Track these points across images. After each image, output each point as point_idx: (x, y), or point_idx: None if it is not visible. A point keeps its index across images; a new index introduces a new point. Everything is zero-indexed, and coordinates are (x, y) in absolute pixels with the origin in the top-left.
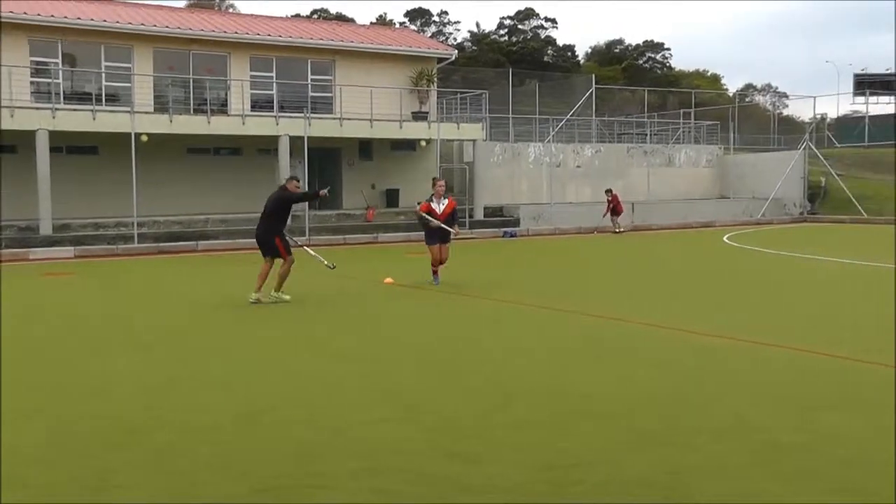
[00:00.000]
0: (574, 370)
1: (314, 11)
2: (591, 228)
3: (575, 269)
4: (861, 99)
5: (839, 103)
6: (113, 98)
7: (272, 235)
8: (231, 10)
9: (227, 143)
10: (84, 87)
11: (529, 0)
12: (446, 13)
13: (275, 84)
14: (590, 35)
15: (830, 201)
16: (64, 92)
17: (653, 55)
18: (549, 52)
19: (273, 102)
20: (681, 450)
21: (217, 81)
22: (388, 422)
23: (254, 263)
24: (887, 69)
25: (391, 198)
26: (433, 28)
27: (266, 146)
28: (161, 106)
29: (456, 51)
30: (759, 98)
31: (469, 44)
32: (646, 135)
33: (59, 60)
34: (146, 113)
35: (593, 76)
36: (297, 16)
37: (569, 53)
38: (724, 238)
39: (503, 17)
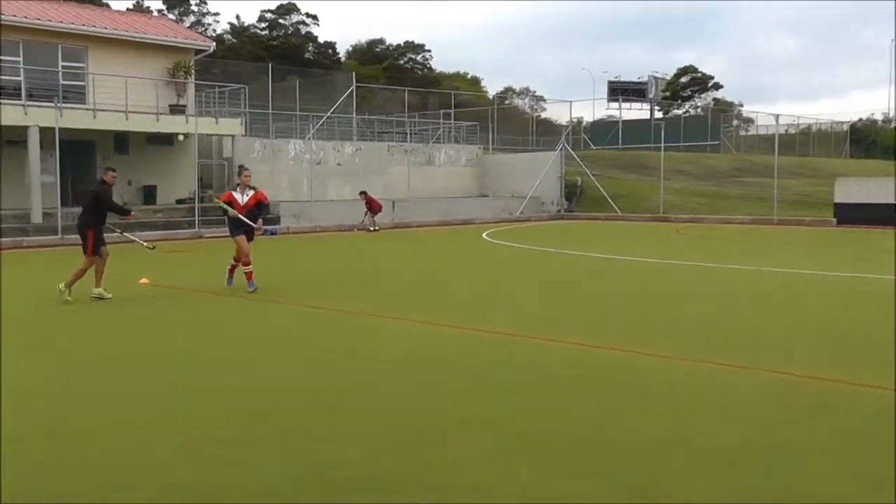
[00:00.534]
0: (337, 368)
1: None
2: (352, 226)
3: (337, 268)
4: (615, 104)
5: (595, 108)
6: None
7: (86, 228)
8: None
9: None
10: None
11: None
12: (205, 3)
13: (22, 70)
14: (351, 33)
15: (586, 199)
16: None
17: (413, 56)
18: (310, 48)
19: (21, 90)
20: (436, 443)
21: None
22: (137, 430)
23: None
24: (639, 77)
25: (148, 194)
26: (192, 18)
27: (14, 137)
28: None
29: (214, 43)
30: (517, 101)
31: (229, 36)
32: (406, 134)
33: None
34: None
35: (353, 74)
36: None
37: (330, 51)
38: (484, 235)
39: (264, 11)
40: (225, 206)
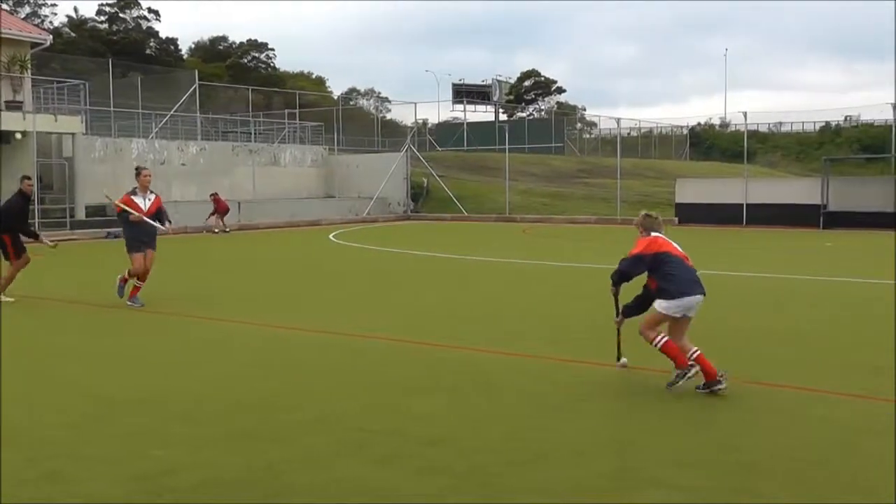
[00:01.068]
0: (174, 375)
1: None
2: (201, 228)
3: (187, 272)
4: (460, 107)
5: (439, 110)
6: None
7: (10, 238)
8: None
9: None
10: None
11: None
12: None
13: None
14: (193, 30)
15: (432, 200)
16: None
17: (257, 55)
18: (151, 44)
19: None
20: (275, 445)
21: None
22: None
23: None
24: (483, 80)
25: None
26: (27, 9)
27: None
28: None
29: (51, 36)
30: (362, 102)
31: (67, 30)
32: (251, 134)
33: None
34: None
35: (196, 72)
36: None
37: (172, 47)
38: (331, 236)
39: (103, 4)
40: (129, 210)
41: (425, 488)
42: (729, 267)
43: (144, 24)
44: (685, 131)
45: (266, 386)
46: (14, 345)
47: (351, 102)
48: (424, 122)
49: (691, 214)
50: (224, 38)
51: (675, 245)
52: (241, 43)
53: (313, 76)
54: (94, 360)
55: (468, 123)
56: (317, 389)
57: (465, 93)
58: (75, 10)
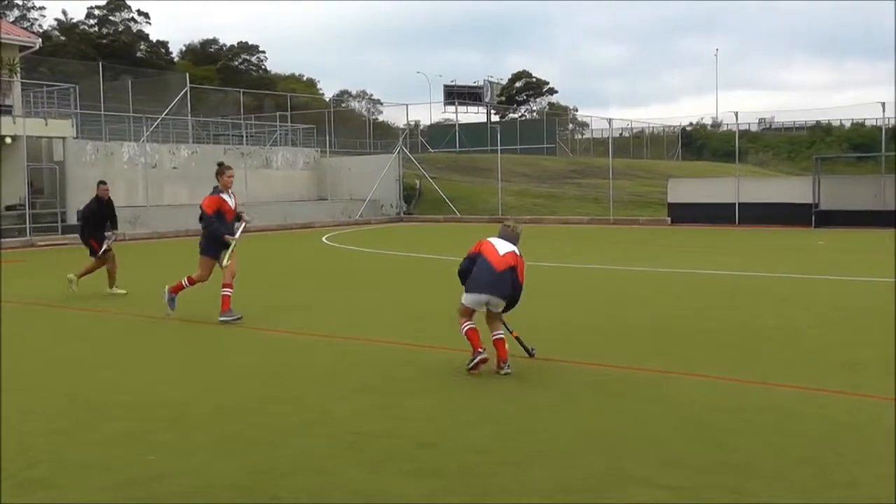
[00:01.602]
0: (163, 380)
1: None
2: (196, 231)
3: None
4: (451, 108)
5: (431, 111)
6: None
7: (86, 238)
8: None
9: None
10: None
11: None
12: None
13: None
14: (184, 33)
15: (425, 202)
16: None
17: (248, 57)
18: (142, 47)
19: None
20: (267, 449)
21: None
22: None
23: None
24: (475, 82)
25: None
26: (16, 13)
27: None
28: None
29: (40, 39)
30: (354, 104)
31: (56, 33)
32: (242, 136)
33: None
34: None
35: (187, 75)
36: None
37: (162, 50)
38: (324, 238)
39: (92, 7)
40: (215, 217)
41: (420, 490)
42: (719, 266)
43: (134, 27)
44: (677, 131)
45: (256, 389)
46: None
47: (342, 104)
48: (416, 124)
49: (684, 214)
50: (214, 41)
51: (497, 250)
52: (232, 45)
53: (304, 78)
54: (80, 365)
55: (460, 125)
56: (307, 392)
57: (457, 94)
58: (64, 13)
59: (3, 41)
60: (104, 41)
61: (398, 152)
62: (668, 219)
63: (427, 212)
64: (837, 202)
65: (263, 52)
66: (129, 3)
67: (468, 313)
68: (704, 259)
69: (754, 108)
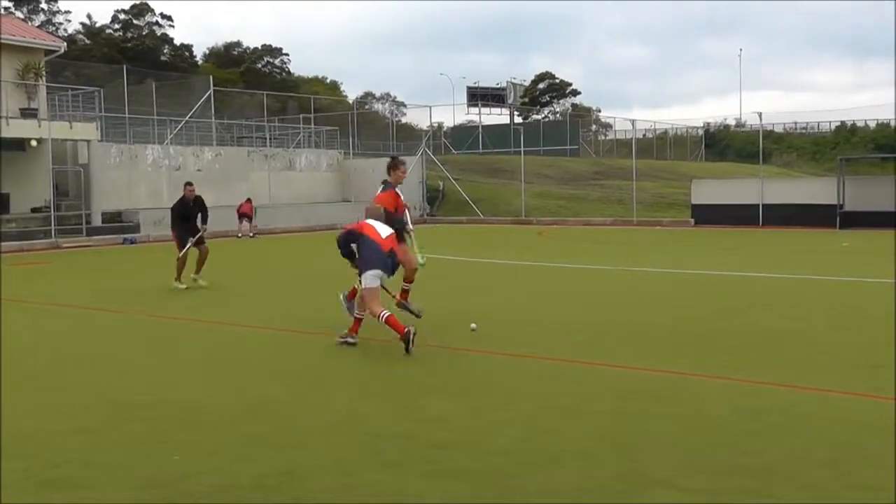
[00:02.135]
0: (187, 380)
1: None
2: (231, 233)
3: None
4: (475, 110)
5: (455, 113)
6: None
7: (174, 235)
8: None
9: None
10: None
11: None
12: (55, 1)
13: None
14: (207, 36)
15: (448, 203)
16: None
17: (271, 59)
18: (165, 50)
19: None
20: (289, 450)
21: None
22: None
23: None
24: (497, 83)
25: (1, 203)
26: (42, 17)
27: None
28: None
29: (65, 43)
30: (377, 106)
31: (82, 37)
32: (266, 139)
33: None
34: None
35: (211, 78)
36: None
37: (186, 53)
38: None
39: (117, 11)
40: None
41: (440, 491)
42: (741, 267)
43: (158, 31)
44: (700, 132)
45: (278, 390)
46: (26, 351)
47: (366, 106)
48: (439, 126)
49: (707, 215)
50: (238, 44)
51: (379, 233)
52: (256, 48)
53: (328, 80)
54: (105, 365)
55: (483, 126)
56: (330, 393)
57: (480, 96)
58: (89, 17)
59: (28, 45)
60: (128, 45)
61: (421, 154)
62: (692, 220)
63: (450, 213)
64: (862, 203)
65: (287, 54)
66: (152, 6)
67: (377, 295)
68: (727, 261)
69: (777, 109)
